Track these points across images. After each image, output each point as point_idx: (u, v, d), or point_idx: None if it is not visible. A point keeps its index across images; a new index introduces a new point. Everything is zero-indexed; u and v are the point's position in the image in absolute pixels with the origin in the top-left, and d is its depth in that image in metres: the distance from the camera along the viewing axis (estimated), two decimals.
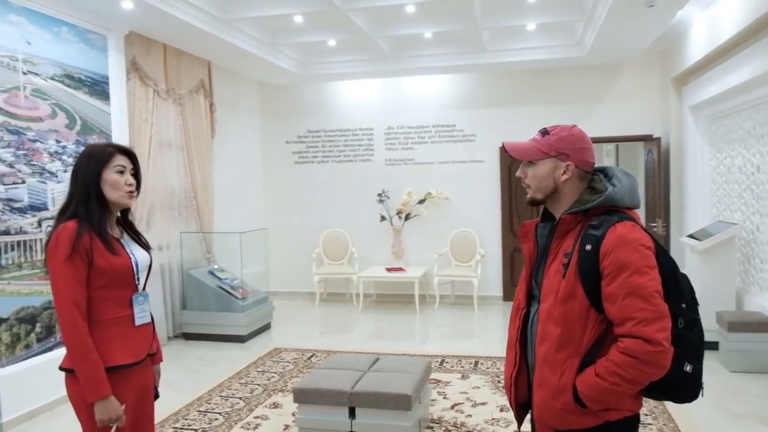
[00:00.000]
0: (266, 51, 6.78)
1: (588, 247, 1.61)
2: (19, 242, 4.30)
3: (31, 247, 4.38)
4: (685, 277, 1.68)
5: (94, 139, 4.95)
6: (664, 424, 3.88)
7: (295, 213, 8.63)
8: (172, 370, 5.24)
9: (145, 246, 2.26)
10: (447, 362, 5.33)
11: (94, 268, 2.01)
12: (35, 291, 4.37)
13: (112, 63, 5.29)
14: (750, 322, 4.81)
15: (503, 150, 1.82)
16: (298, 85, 8.49)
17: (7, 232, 4.21)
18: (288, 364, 5.41)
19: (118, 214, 2.21)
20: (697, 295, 1.70)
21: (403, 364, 3.92)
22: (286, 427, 3.98)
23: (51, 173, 4.59)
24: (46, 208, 4.51)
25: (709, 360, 4.94)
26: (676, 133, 7.06)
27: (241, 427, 4.00)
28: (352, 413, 3.50)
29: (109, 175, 2.09)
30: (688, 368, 1.59)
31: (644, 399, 1.73)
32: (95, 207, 2.06)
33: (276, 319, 6.94)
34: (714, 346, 5.06)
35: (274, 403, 4.43)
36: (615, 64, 7.40)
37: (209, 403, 4.44)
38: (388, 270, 7.81)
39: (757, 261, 5.35)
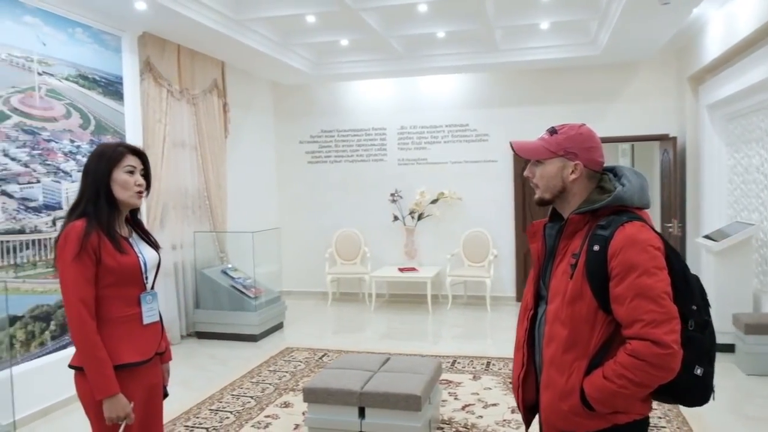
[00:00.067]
0: (279, 51, 6.80)
1: (596, 248, 1.59)
2: (33, 241, 4.35)
3: (45, 246, 4.43)
4: (696, 278, 1.65)
5: (107, 139, 5.00)
6: (678, 428, 3.83)
7: (308, 213, 8.65)
8: (185, 368, 5.28)
9: (154, 245, 2.28)
10: (459, 363, 5.31)
11: (102, 266, 2.02)
12: (50, 289, 4.42)
13: (126, 63, 5.33)
14: (767, 324, 4.73)
15: (511, 149, 1.80)
16: (311, 84, 8.51)
17: (22, 231, 4.26)
18: (300, 363, 5.42)
19: (128, 214, 2.22)
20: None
21: (413, 364, 3.91)
22: (297, 426, 3.98)
23: (65, 173, 4.63)
24: (61, 208, 4.56)
25: (725, 362, 4.91)
26: (692, 133, 6.97)
27: (252, 426, 4.01)
28: (361, 413, 3.49)
29: (119, 175, 2.10)
30: (698, 371, 1.56)
31: (658, 402, 1.70)
32: (104, 206, 2.07)
33: (288, 318, 6.96)
34: (730, 348, 4.98)
35: (285, 403, 4.44)
36: (630, 62, 7.32)
37: (220, 402, 4.46)
38: (401, 270, 7.80)
39: None
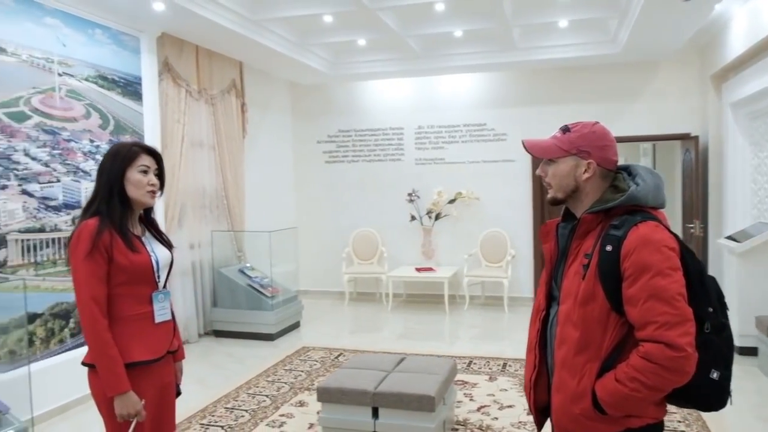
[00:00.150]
0: (297, 51, 6.82)
1: (609, 248, 1.55)
2: (53, 239, 4.41)
3: (65, 245, 4.49)
4: (713, 279, 1.60)
5: (126, 139, 5.05)
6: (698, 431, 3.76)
7: (326, 212, 8.66)
8: (202, 366, 5.32)
9: (167, 244, 2.29)
10: (475, 363, 5.27)
11: (114, 264, 2.03)
12: (69, 287, 4.47)
13: (144, 64, 5.38)
14: None
15: (523, 147, 1.78)
16: (328, 84, 8.52)
17: (42, 230, 4.32)
18: (315, 362, 5.42)
19: (142, 213, 2.23)
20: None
21: (428, 364, 3.89)
22: (311, 425, 3.99)
23: (85, 172, 4.69)
24: (80, 207, 4.61)
25: (748, 366, 4.81)
26: (715, 132, 6.84)
27: (267, 424, 4.02)
28: (375, 413, 3.48)
29: (133, 175, 2.12)
30: (714, 375, 1.52)
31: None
32: (117, 205, 2.09)
33: (305, 317, 6.97)
34: (753, 351, 4.86)
35: (300, 402, 4.44)
36: (651, 60, 7.21)
37: (236, 400, 4.48)
38: (418, 270, 7.77)
39: None
